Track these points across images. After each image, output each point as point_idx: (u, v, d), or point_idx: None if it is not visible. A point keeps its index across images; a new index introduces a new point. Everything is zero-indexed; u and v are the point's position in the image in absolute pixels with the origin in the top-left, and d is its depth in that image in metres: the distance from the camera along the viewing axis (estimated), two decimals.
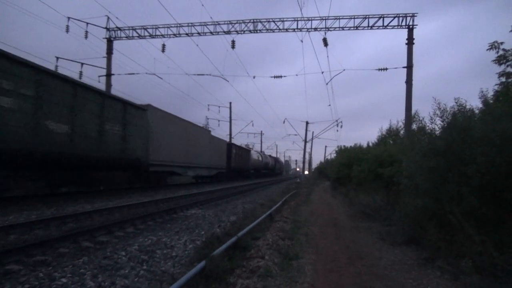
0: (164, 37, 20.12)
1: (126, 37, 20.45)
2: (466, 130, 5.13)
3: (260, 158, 51.21)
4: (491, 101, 6.08)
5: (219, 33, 19.51)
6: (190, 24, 19.67)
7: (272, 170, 64.24)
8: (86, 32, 19.18)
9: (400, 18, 17.64)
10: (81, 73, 19.06)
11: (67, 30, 18.72)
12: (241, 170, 39.71)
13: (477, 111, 6.01)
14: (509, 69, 6.26)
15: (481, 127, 4.87)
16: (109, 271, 4.50)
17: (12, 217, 8.10)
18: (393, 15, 17.81)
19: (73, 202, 11.32)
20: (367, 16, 18.18)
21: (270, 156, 64.98)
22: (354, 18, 18.33)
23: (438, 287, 4.32)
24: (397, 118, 22.74)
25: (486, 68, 7.13)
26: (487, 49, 6.45)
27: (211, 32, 19.55)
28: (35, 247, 5.19)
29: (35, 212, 8.98)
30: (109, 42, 20.41)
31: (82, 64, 19.27)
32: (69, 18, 18.80)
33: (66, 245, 5.65)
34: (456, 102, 5.88)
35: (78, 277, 4.18)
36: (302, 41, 19.58)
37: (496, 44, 6.34)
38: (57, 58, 18.63)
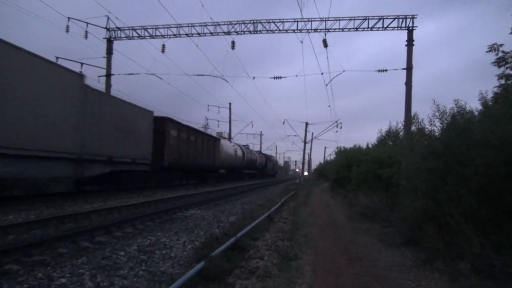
0: (164, 37, 20.16)
1: (126, 37, 20.47)
2: (465, 132, 5.15)
3: (240, 153, 36.44)
4: (490, 103, 6.10)
5: (219, 33, 19.56)
6: (190, 25, 19.70)
7: (261, 170, 51.15)
8: (86, 32, 19.23)
9: (400, 20, 17.68)
10: (80, 73, 19.05)
11: (67, 30, 18.76)
12: (195, 169, 23.88)
13: (476, 113, 6.03)
14: (508, 71, 6.26)
15: (480, 129, 4.89)
16: (108, 271, 4.50)
17: (11, 217, 8.09)
18: (393, 17, 17.85)
19: (72, 202, 11.31)
20: (367, 18, 18.22)
21: (259, 152, 52.84)
22: (354, 19, 18.37)
23: None
24: (397, 120, 22.76)
25: (486, 70, 7.15)
26: (487, 51, 6.45)
27: (211, 33, 19.58)
28: (33, 247, 5.18)
29: (33, 212, 8.96)
30: (109, 42, 20.43)
31: (82, 64, 19.26)
32: (69, 18, 18.87)
33: (65, 245, 5.64)
34: (456, 104, 5.90)
35: (77, 277, 4.18)
36: (302, 42, 19.64)
37: (495, 46, 6.34)
38: (57, 58, 18.60)
